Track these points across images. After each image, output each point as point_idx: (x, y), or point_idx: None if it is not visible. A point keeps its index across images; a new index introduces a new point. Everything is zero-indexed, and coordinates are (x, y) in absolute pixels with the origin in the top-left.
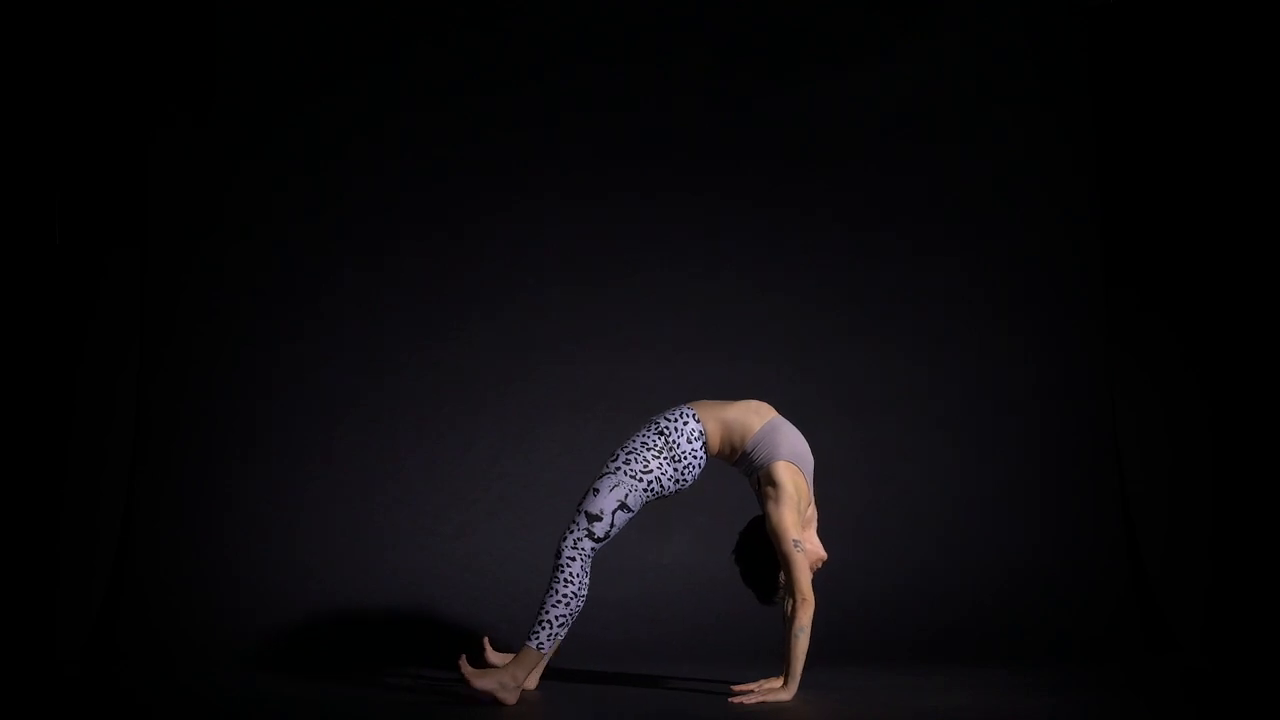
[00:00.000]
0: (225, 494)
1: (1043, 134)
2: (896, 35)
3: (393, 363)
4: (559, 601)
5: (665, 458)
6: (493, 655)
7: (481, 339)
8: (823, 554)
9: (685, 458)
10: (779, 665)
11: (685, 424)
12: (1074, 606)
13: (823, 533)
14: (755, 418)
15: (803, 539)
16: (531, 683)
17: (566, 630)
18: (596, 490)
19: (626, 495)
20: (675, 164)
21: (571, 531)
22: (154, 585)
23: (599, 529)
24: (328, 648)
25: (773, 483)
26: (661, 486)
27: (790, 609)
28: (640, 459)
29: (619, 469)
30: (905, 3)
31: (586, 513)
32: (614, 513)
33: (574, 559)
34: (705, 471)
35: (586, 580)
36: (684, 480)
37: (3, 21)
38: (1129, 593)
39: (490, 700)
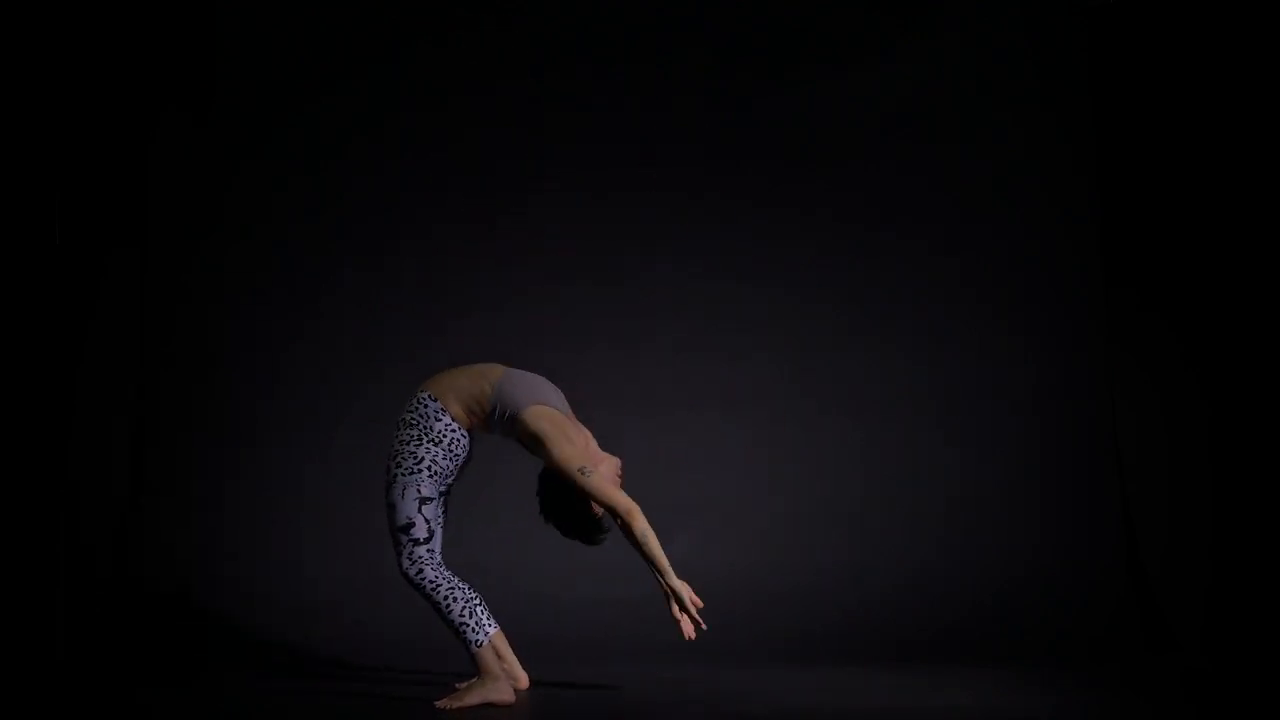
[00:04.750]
0: (225, 494)
1: (1043, 134)
2: (896, 35)
3: (393, 363)
4: (449, 607)
5: (427, 441)
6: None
7: (482, 339)
8: (616, 460)
9: (444, 434)
10: (778, 666)
11: (425, 405)
12: (1074, 606)
13: (823, 533)
14: (484, 381)
15: (588, 464)
16: (522, 679)
17: (485, 610)
18: (391, 505)
19: (418, 490)
20: (675, 164)
21: (399, 555)
22: (154, 585)
23: (418, 532)
24: (327, 648)
25: (531, 432)
26: (440, 468)
27: (624, 527)
28: (407, 455)
29: (396, 476)
30: (905, 3)
31: (396, 529)
32: (419, 511)
33: (421, 572)
34: (699, 474)
35: (446, 573)
36: (456, 455)
37: (3, 22)
38: (1129, 593)
39: (490, 705)
